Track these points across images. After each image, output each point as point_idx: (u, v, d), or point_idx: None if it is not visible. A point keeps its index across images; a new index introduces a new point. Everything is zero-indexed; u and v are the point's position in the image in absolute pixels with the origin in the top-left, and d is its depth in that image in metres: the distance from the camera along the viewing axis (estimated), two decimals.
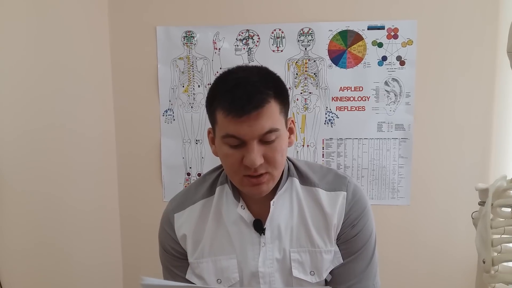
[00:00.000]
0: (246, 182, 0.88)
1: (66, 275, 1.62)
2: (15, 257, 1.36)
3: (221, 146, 0.87)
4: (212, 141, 0.94)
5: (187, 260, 0.98)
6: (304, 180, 0.98)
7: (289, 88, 1.83)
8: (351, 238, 0.95)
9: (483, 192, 1.20)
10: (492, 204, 1.13)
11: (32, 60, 1.44)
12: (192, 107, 1.90)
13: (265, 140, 0.84)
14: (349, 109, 1.84)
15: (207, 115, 0.92)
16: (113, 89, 1.93)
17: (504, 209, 1.14)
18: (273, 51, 1.84)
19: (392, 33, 1.79)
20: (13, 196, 1.35)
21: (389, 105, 1.82)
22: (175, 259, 1.00)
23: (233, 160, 0.86)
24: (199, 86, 1.89)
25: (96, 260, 1.82)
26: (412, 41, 1.78)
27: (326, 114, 1.85)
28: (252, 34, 1.84)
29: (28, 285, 1.42)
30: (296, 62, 1.84)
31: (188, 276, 0.98)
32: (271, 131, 0.84)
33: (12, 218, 1.35)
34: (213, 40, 1.86)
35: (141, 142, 1.94)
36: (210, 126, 0.93)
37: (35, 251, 1.45)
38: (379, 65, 1.81)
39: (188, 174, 1.94)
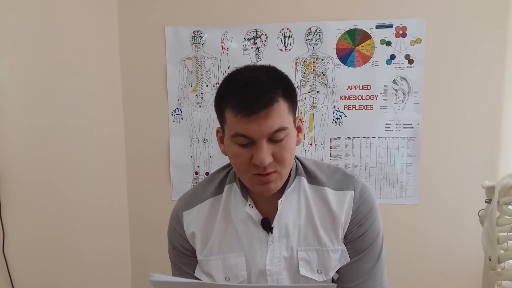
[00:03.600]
0: (256, 181, 0.88)
1: (75, 271, 1.64)
2: (25, 253, 1.39)
3: (230, 145, 0.88)
4: (221, 141, 0.94)
5: (196, 257, 0.99)
6: (312, 179, 0.98)
7: (297, 87, 1.84)
8: (358, 237, 0.95)
9: (490, 190, 1.20)
10: (498, 202, 1.13)
11: (43, 60, 1.46)
12: (200, 106, 1.91)
13: (274, 138, 0.85)
14: (357, 108, 1.83)
15: (215, 115, 0.93)
16: (122, 89, 1.95)
17: (510, 206, 1.14)
18: (281, 50, 1.84)
19: (401, 32, 1.78)
20: (23, 194, 1.38)
21: (397, 103, 1.81)
22: (184, 257, 1.01)
23: (242, 159, 0.87)
24: (207, 85, 1.90)
25: (105, 257, 1.84)
26: (421, 40, 1.77)
27: (334, 113, 1.85)
28: (260, 34, 1.84)
29: (38, 280, 1.45)
30: (304, 61, 1.84)
31: (197, 273, 0.99)
32: (280, 129, 0.84)
33: (22, 215, 1.37)
34: (221, 40, 1.87)
35: (150, 141, 1.96)
36: (218, 125, 0.94)
37: (44, 248, 1.48)
38: (387, 63, 1.80)
39: (196, 173, 1.95)
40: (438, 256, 1.86)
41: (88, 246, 1.71)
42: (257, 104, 0.81)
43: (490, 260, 1.08)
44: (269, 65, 0.92)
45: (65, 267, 1.59)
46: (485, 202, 1.21)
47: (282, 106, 0.85)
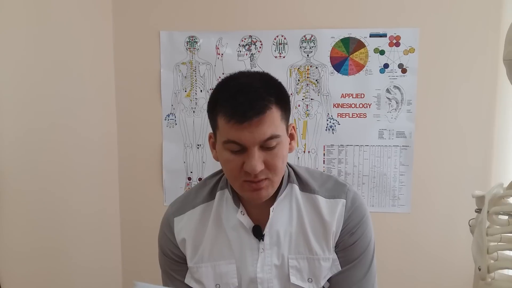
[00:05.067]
0: (246, 187, 0.88)
1: (66, 278, 1.62)
2: (15, 259, 1.37)
3: (222, 151, 0.88)
4: (213, 146, 0.94)
5: (186, 264, 0.98)
6: (304, 186, 0.98)
7: (291, 94, 1.84)
8: (350, 246, 0.95)
9: (480, 200, 1.20)
10: (488, 211, 1.13)
11: (37, 62, 1.45)
12: (194, 111, 1.91)
13: (266, 146, 0.85)
14: (350, 116, 1.84)
15: (208, 120, 0.93)
16: (116, 93, 1.94)
17: (500, 216, 1.14)
18: (276, 57, 1.85)
19: (394, 41, 1.79)
20: (14, 198, 1.36)
21: (390, 112, 1.82)
22: (174, 263, 1.01)
23: (233, 165, 0.86)
24: (201, 91, 1.90)
25: (96, 263, 1.82)
26: (414, 49, 1.79)
27: (327, 120, 1.85)
28: (254, 40, 1.85)
29: (28, 287, 1.43)
30: (298, 68, 1.85)
31: (187, 280, 0.99)
32: (272, 137, 0.84)
33: (12, 220, 1.36)
34: (216, 46, 1.87)
35: (143, 145, 1.95)
36: (211, 131, 0.94)
37: (35, 253, 1.46)
38: (380, 72, 1.81)
39: (189, 178, 1.94)
40: (430, 265, 1.87)
41: (78, 251, 1.69)
42: (250, 111, 0.81)
43: (479, 270, 1.08)
44: (263, 71, 0.92)
45: (55, 273, 1.57)
46: (475, 211, 1.21)
47: (274, 114, 0.85)
